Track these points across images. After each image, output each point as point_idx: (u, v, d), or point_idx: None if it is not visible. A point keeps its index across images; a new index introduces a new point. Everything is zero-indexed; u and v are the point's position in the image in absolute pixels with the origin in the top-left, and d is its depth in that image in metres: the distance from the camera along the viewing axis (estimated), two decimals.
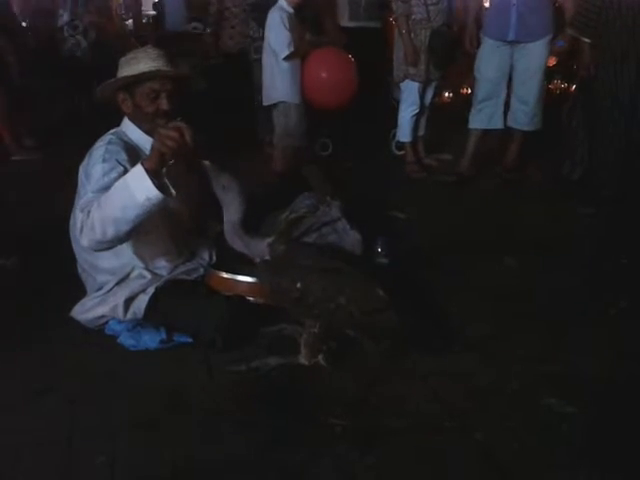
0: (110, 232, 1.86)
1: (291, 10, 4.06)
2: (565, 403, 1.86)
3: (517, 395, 1.92)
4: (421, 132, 4.54)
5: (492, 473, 1.62)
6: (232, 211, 2.05)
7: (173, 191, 1.88)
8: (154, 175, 1.81)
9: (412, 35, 4.10)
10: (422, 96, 4.34)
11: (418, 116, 4.42)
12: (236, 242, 2.08)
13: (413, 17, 4.09)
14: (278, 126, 4.26)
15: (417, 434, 1.75)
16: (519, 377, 2.00)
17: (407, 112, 4.37)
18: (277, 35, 4.04)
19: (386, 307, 1.99)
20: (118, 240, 1.93)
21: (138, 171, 1.82)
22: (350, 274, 2.06)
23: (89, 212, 1.87)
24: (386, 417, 1.82)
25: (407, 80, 4.27)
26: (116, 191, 1.85)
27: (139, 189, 1.80)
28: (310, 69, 4.19)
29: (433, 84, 4.39)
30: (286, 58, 4.05)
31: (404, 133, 4.43)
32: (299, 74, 4.16)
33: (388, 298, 2.00)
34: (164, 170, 1.87)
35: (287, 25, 4.00)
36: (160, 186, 1.81)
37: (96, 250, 2.00)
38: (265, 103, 4.31)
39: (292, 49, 4.03)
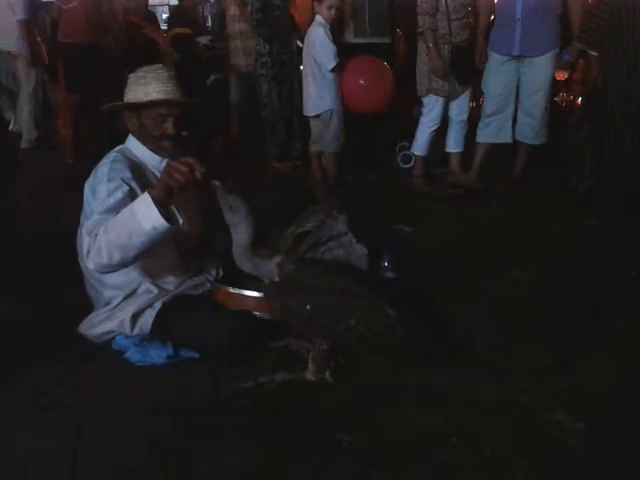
0: (116, 257, 1.87)
1: (328, 25, 4.29)
2: (574, 418, 1.84)
3: (525, 410, 1.90)
4: (457, 149, 4.44)
5: None
6: (240, 232, 2.04)
7: (180, 220, 1.89)
8: (161, 204, 1.81)
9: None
10: (444, 111, 4.32)
11: (438, 131, 4.38)
12: (245, 264, 2.08)
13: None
14: (324, 134, 4.42)
15: (424, 449, 1.73)
16: (527, 392, 1.98)
17: (427, 126, 4.33)
18: (322, 48, 4.25)
19: (396, 325, 1.99)
20: (125, 264, 1.95)
21: (145, 199, 1.82)
22: (359, 294, 2.06)
23: (96, 236, 1.88)
24: (393, 432, 1.81)
25: (430, 94, 4.24)
26: (123, 218, 1.86)
27: (146, 218, 1.81)
28: (349, 77, 4.45)
29: (461, 98, 4.30)
30: (332, 69, 4.25)
31: (421, 147, 4.39)
32: (340, 83, 4.39)
33: (397, 316, 2.00)
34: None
35: (330, 38, 4.25)
36: (167, 214, 1.82)
37: (102, 273, 2.01)
38: (311, 113, 4.49)
39: (338, 60, 4.24)
